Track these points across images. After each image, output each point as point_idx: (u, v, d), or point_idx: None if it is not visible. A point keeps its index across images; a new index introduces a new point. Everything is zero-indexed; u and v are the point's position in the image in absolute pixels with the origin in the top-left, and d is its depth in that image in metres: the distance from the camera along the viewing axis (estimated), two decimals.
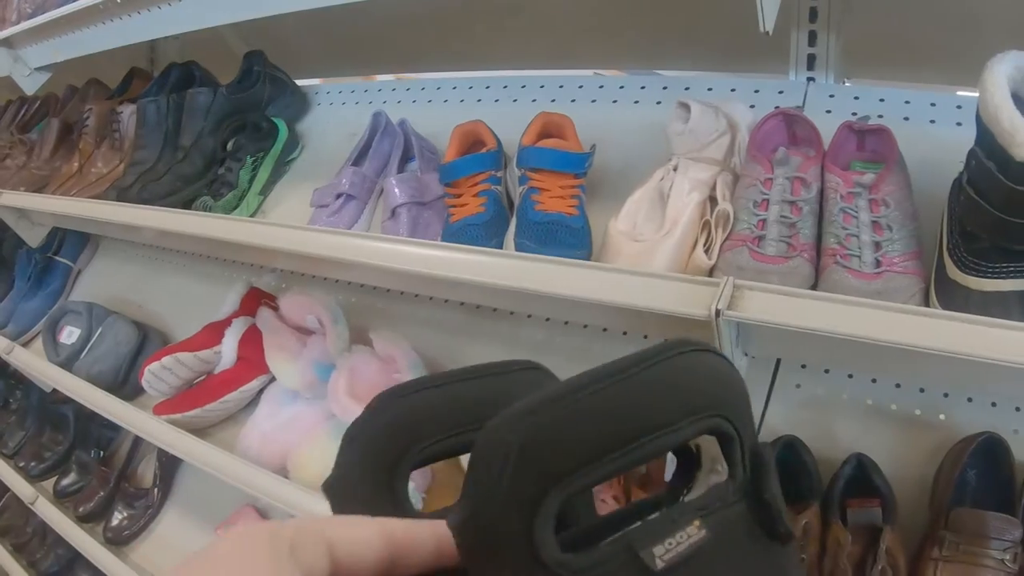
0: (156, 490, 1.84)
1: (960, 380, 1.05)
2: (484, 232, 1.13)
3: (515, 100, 1.45)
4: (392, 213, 1.28)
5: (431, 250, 1.04)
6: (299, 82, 1.78)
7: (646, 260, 0.99)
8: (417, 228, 1.26)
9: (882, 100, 1.18)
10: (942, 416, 1.06)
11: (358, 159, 1.43)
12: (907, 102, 1.17)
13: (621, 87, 1.35)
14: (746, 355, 0.98)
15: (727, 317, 0.81)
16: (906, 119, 1.15)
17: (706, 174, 1.03)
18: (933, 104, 1.15)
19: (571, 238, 1.06)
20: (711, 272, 0.96)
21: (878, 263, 0.90)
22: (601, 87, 1.38)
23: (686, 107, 1.07)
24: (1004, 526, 0.86)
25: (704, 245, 0.98)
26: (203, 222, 1.34)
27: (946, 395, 1.07)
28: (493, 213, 1.15)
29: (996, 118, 0.79)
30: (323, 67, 1.81)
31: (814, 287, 0.92)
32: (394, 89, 1.64)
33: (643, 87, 1.32)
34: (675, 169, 1.04)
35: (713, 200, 1.03)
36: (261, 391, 1.54)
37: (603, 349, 1.29)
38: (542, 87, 1.44)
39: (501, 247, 1.11)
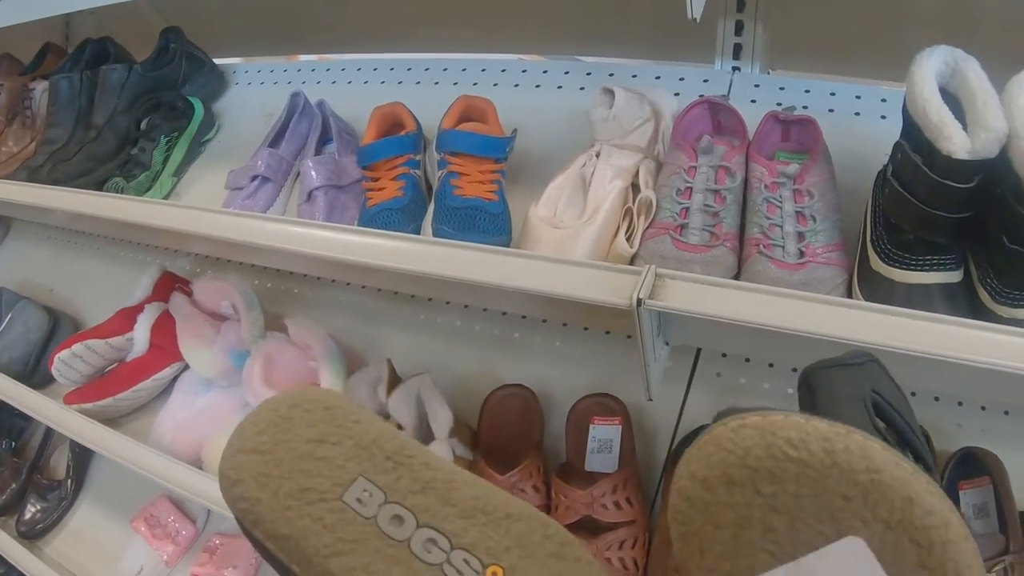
0: (70, 481, 1.71)
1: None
2: (402, 217, 1.05)
3: (436, 83, 1.37)
4: (308, 196, 1.19)
5: (346, 235, 0.96)
6: (218, 61, 1.66)
7: (567, 247, 0.92)
8: (334, 212, 1.17)
9: (807, 91, 1.14)
10: None
11: (275, 140, 1.33)
12: (832, 94, 1.13)
13: (544, 72, 1.28)
14: (667, 344, 0.93)
15: (648, 306, 0.75)
16: (831, 111, 1.11)
17: (629, 161, 0.97)
18: (858, 97, 1.12)
19: (490, 224, 0.99)
20: (632, 260, 0.91)
21: (801, 254, 0.85)
22: (524, 72, 1.30)
23: (610, 93, 1.01)
24: None
25: (626, 233, 0.92)
26: (112, 204, 1.23)
27: None
28: (411, 198, 1.07)
29: (924, 112, 0.76)
30: (243, 46, 1.70)
31: (737, 277, 0.87)
32: (314, 70, 1.54)
33: (567, 72, 1.26)
34: (597, 155, 0.98)
35: (636, 187, 0.97)
36: (175, 379, 1.44)
37: (523, 337, 1.23)
38: (464, 70, 1.36)
39: (419, 232, 1.03)
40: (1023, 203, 0.73)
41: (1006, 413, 0.99)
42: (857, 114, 1.10)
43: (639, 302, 0.75)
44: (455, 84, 1.35)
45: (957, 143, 0.73)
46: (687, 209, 0.89)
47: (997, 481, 0.90)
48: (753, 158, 0.91)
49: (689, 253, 0.86)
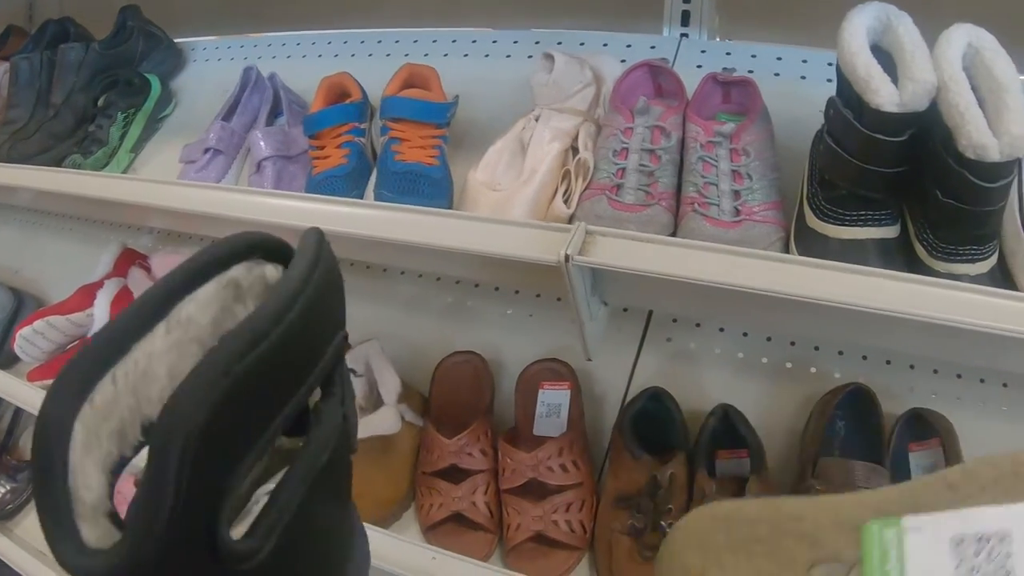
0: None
1: (829, 333, 0.98)
2: (346, 183, 1.00)
3: (388, 55, 1.31)
4: (258, 167, 1.14)
5: (284, 200, 0.91)
6: (178, 39, 1.59)
7: (504, 209, 0.88)
8: (282, 181, 1.12)
9: (754, 56, 1.09)
10: (813, 369, 1.01)
11: (227, 114, 1.27)
12: (779, 59, 1.09)
13: (494, 42, 1.23)
14: (605, 304, 0.89)
15: (576, 262, 0.71)
16: (777, 75, 1.07)
17: (568, 124, 0.92)
18: (805, 61, 1.08)
19: (430, 188, 0.94)
20: (571, 222, 0.86)
21: (737, 212, 0.81)
22: (474, 42, 1.25)
23: (550, 58, 0.96)
24: (870, 475, 0.80)
25: (564, 195, 0.88)
26: (67, 179, 1.17)
27: (817, 348, 1.02)
28: (355, 165, 1.02)
29: (852, 66, 0.72)
30: (202, 24, 1.63)
31: (672, 235, 0.83)
32: (270, 44, 1.48)
33: (515, 42, 1.20)
34: (537, 119, 0.93)
35: (575, 150, 0.92)
36: None
37: (476, 304, 1.19)
38: (415, 42, 1.31)
39: (362, 198, 0.99)
40: (953, 155, 0.69)
41: (959, 376, 0.97)
42: (803, 78, 1.06)
43: (567, 258, 0.71)
44: (406, 55, 1.29)
45: (885, 96, 0.70)
46: (623, 169, 0.84)
47: (947, 443, 0.87)
48: (690, 118, 0.86)
49: (624, 212, 0.82)
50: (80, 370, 0.24)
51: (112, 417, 0.25)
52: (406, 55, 1.29)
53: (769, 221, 0.81)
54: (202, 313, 0.26)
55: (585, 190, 0.86)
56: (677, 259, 0.71)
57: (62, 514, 0.23)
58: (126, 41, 1.49)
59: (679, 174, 0.86)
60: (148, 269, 1.37)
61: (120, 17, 1.53)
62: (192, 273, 0.27)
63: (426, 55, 1.27)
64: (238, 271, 0.28)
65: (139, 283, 1.33)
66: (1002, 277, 0.76)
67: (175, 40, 1.58)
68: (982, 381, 0.96)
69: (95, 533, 0.24)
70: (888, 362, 0.98)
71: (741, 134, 0.83)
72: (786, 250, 0.82)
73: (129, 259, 1.46)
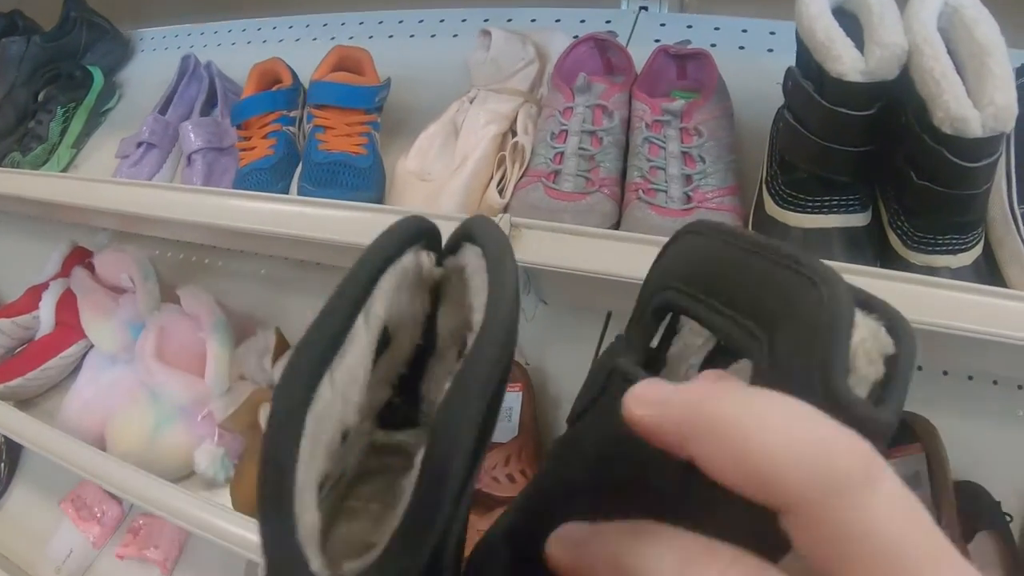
0: (3, 465, 1.59)
1: None
2: (271, 176, 0.91)
3: (332, 38, 1.21)
4: (188, 160, 1.05)
5: (202, 196, 0.83)
6: (129, 30, 1.51)
7: (434, 201, 0.78)
8: (213, 175, 1.03)
9: (717, 29, 0.99)
10: None
11: (164, 106, 1.18)
12: (744, 31, 0.98)
13: (441, 21, 1.13)
14: (544, 302, 0.79)
15: None
16: (742, 48, 0.97)
17: (507, 106, 0.83)
18: (772, 33, 0.97)
19: (355, 179, 0.84)
20: (505, 212, 0.77)
21: (688, 198, 0.71)
22: (421, 22, 1.15)
23: (488, 35, 0.86)
24: None
25: (499, 183, 0.78)
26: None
27: None
28: (282, 156, 0.92)
29: (811, 30, 0.63)
30: (147, 12, 1.54)
31: (617, 226, 0.73)
32: (216, 32, 1.38)
33: (464, 20, 1.10)
34: (472, 101, 0.84)
35: (515, 134, 0.82)
36: (85, 356, 1.32)
37: None
38: (361, 24, 1.21)
39: (287, 192, 0.90)
40: (929, 131, 0.59)
41: (944, 373, 0.87)
42: (771, 51, 0.95)
43: None
44: (350, 38, 1.19)
45: (848, 63, 0.60)
46: (561, 154, 0.74)
47: (930, 449, 0.78)
48: (636, 96, 0.76)
49: (561, 202, 0.72)
50: (302, 369, 0.21)
51: (326, 423, 0.22)
52: (350, 37, 1.19)
53: (724, 208, 0.71)
54: (380, 306, 0.24)
55: (522, 178, 0.77)
56: (615, 255, 0.62)
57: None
58: (69, 33, 1.40)
59: (625, 158, 0.76)
60: (92, 268, 1.29)
61: (64, 8, 1.44)
62: (381, 263, 0.25)
63: (371, 37, 1.17)
64: (407, 259, 0.26)
65: (81, 284, 1.25)
66: (988, 270, 0.66)
67: (122, 31, 1.48)
68: (970, 378, 0.86)
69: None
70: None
71: (693, 112, 0.73)
72: None
73: (78, 258, 1.39)
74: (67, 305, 1.30)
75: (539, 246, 0.63)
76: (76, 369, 1.32)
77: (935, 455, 0.77)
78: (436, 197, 0.78)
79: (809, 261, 0.22)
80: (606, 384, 0.27)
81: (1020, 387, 0.86)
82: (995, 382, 0.85)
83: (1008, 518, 0.80)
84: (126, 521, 1.37)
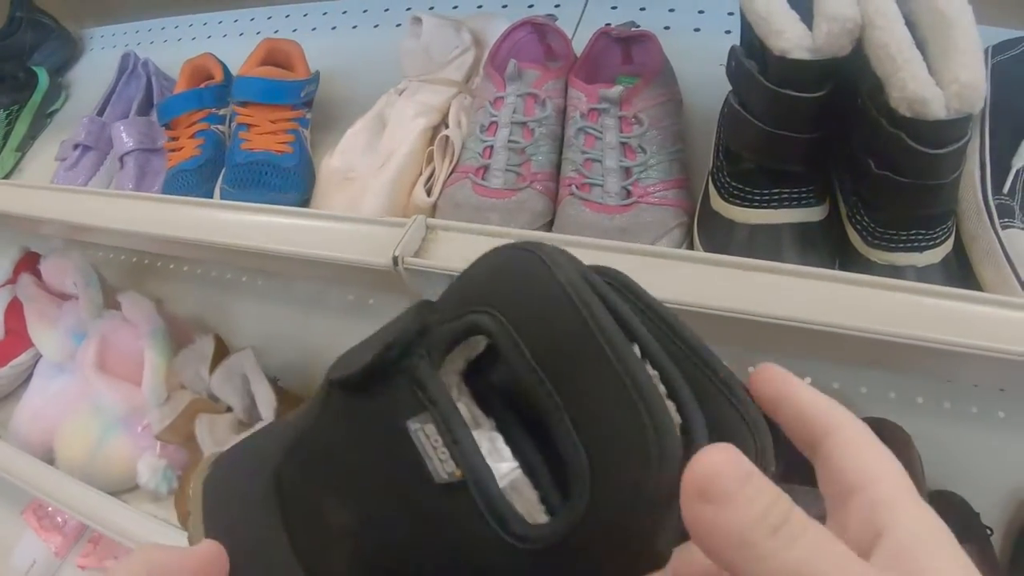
0: None
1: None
2: (196, 178, 0.84)
3: (258, 32, 1.14)
4: (121, 162, 0.98)
5: (112, 200, 0.76)
6: (80, 29, 1.44)
7: (358, 201, 0.71)
8: (145, 177, 0.96)
9: (672, 11, 0.91)
10: (751, 369, 0.82)
11: (103, 106, 1.11)
12: (701, 12, 0.90)
13: (386, 10, 1.05)
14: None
15: (409, 265, 0.55)
16: (697, 31, 0.89)
17: (438, 98, 0.75)
18: (731, 13, 0.89)
19: (279, 180, 0.77)
20: (433, 212, 0.70)
21: (628, 193, 0.64)
22: (365, 12, 1.07)
23: (419, 21, 0.79)
24: (808, 499, 0.63)
25: (427, 181, 0.71)
26: None
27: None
28: (208, 157, 0.85)
29: (752, 3, 0.55)
30: (94, 10, 1.46)
31: (551, 224, 0.66)
32: (163, 28, 1.31)
33: (408, 8, 1.02)
34: (401, 93, 0.76)
35: (448, 127, 0.75)
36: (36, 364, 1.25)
37: (378, 303, 1.04)
38: (269, 18, 1.14)
39: (211, 195, 0.82)
40: (886, 113, 0.52)
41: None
42: (728, 32, 0.87)
43: (396, 260, 0.54)
44: (276, 32, 1.12)
45: (791, 39, 0.53)
46: (491, 148, 0.67)
47: (902, 459, 0.70)
48: (571, 83, 0.69)
49: (489, 199, 0.65)
50: None
51: None
52: (294, 30, 1.11)
53: (668, 203, 0.64)
54: None
55: (451, 174, 0.70)
56: None
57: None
58: (14, 34, 1.34)
59: (561, 151, 0.68)
60: (39, 275, 1.23)
61: (10, 8, 1.37)
62: None
63: (314, 29, 1.09)
64: None
65: (26, 290, 1.19)
66: (958, 269, 0.58)
67: (71, 30, 1.41)
68: (949, 381, 0.78)
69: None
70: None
71: (633, 99, 0.66)
72: (688, 237, 0.65)
73: (29, 263, 1.32)
74: (16, 313, 1.24)
75: (459, 251, 0.56)
76: (29, 377, 1.27)
77: (908, 465, 0.70)
78: (359, 197, 0.70)
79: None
80: (396, 365, 0.24)
81: (1002, 389, 0.78)
82: (975, 384, 0.78)
83: (988, 531, 0.73)
84: (88, 531, 1.32)
